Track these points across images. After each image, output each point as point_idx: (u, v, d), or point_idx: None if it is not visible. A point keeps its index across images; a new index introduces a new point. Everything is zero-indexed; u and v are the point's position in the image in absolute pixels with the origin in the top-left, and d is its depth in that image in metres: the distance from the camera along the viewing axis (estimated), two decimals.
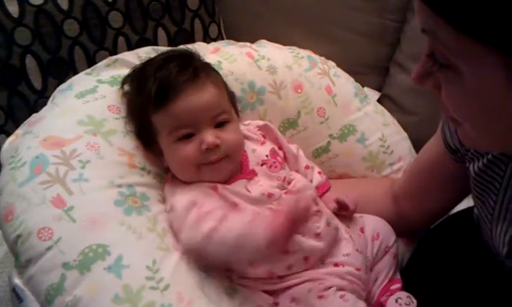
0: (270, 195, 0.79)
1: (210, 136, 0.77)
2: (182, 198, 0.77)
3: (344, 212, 0.86)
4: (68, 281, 0.67)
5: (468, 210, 0.83)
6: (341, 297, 0.74)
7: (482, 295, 0.76)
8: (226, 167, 0.79)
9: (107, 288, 0.67)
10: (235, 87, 0.95)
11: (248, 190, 0.79)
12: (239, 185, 0.79)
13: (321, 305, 0.74)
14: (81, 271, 0.67)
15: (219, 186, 0.78)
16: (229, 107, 0.83)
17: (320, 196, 0.87)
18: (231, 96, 0.88)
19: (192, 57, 0.85)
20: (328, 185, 0.91)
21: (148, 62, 0.86)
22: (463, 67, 0.50)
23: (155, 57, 0.87)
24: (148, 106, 0.79)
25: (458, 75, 0.51)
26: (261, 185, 0.80)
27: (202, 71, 0.81)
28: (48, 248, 0.69)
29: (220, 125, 0.79)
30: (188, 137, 0.78)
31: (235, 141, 0.80)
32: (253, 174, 0.82)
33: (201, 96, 0.78)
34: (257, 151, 0.86)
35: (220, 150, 0.78)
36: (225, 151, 0.78)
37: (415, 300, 0.78)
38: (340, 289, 0.75)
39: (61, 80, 0.94)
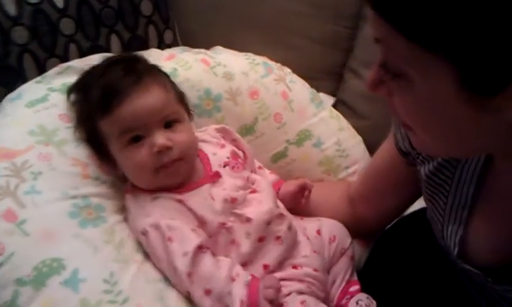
0: (233, 200, 0.79)
1: (160, 138, 0.76)
2: (152, 222, 0.75)
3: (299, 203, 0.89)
4: (22, 298, 0.65)
5: (423, 210, 0.85)
6: (302, 302, 0.74)
7: (437, 292, 0.79)
8: (182, 169, 0.79)
9: (64, 303, 0.65)
10: (192, 95, 0.95)
11: (213, 198, 0.78)
12: (203, 193, 0.79)
13: None
14: (36, 287, 0.65)
15: (184, 198, 0.77)
16: (178, 107, 0.83)
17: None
18: (180, 97, 0.87)
19: (137, 61, 0.84)
20: (281, 182, 0.92)
21: (93, 69, 0.84)
22: (414, 76, 0.51)
23: (100, 63, 0.85)
24: (94, 113, 0.78)
25: (410, 84, 0.52)
26: (224, 189, 0.80)
27: (147, 74, 0.80)
28: (0, 264, 0.66)
29: (170, 125, 0.79)
30: (137, 140, 0.77)
31: (187, 140, 0.80)
32: (218, 176, 0.82)
33: (147, 99, 0.77)
34: (218, 154, 0.86)
35: (173, 152, 0.77)
36: (178, 153, 0.78)
37: (374, 301, 0.79)
38: (300, 293, 0.76)
39: (10, 89, 0.91)
